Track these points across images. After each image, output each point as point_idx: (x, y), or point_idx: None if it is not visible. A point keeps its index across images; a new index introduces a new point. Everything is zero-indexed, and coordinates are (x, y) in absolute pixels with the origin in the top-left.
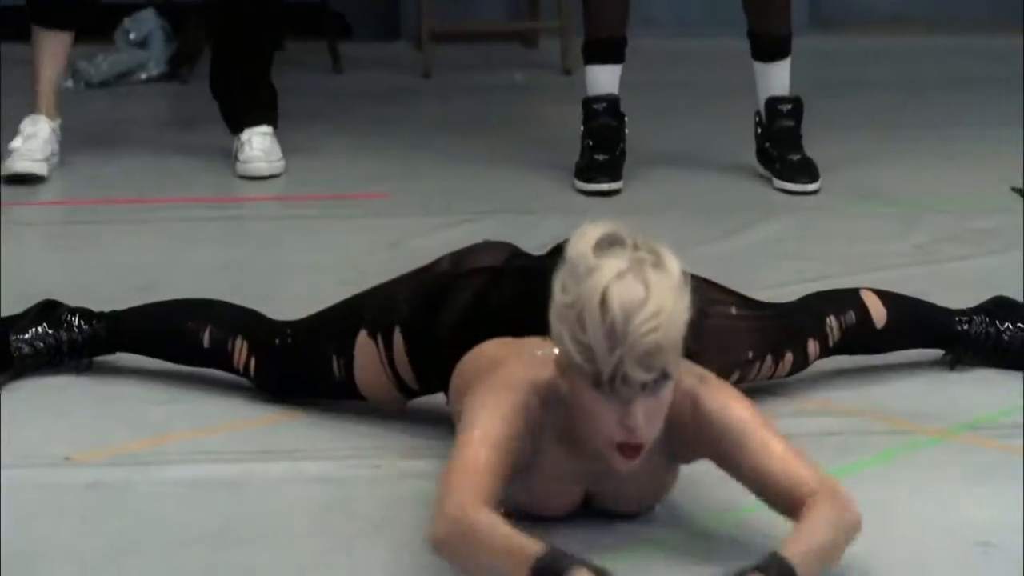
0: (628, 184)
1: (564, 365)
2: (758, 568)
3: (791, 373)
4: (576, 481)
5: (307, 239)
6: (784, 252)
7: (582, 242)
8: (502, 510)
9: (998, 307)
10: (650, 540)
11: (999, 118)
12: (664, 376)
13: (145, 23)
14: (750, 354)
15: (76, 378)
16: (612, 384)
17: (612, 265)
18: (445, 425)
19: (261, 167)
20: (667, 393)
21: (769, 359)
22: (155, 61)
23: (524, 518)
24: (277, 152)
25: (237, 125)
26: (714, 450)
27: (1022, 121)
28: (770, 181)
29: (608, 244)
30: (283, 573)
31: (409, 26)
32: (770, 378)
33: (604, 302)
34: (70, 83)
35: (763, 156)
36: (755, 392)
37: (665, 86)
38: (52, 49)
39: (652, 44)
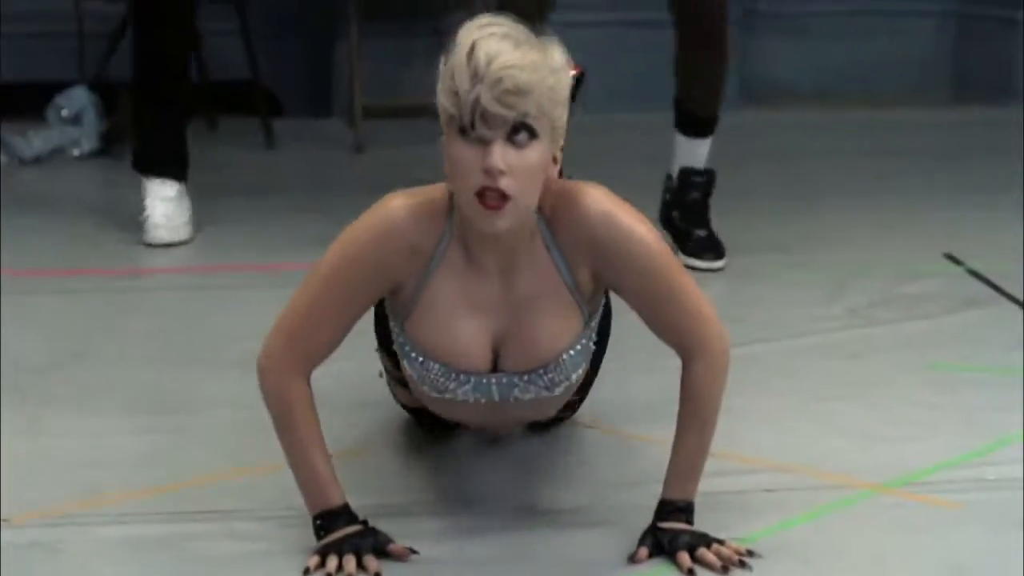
0: None
1: (443, 119)
2: (657, 528)
3: None
4: (480, 318)
5: (237, 307)
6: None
7: (476, 21)
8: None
9: None
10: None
11: (928, 186)
12: (526, 128)
13: (77, 100)
14: None
15: (10, 438)
16: (473, 124)
17: (489, 29)
18: (399, 481)
19: (162, 234)
20: (533, 153)
21: None
22: (87, 137)
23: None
24: (182, 215)
25: (145, 166)
26: (612, 281)
27: (951, 189)
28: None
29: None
30: None
31: (341, 102)
32: None
33: (472, 51)
34: (3, 159)
35: (667, 223)
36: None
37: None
38: None
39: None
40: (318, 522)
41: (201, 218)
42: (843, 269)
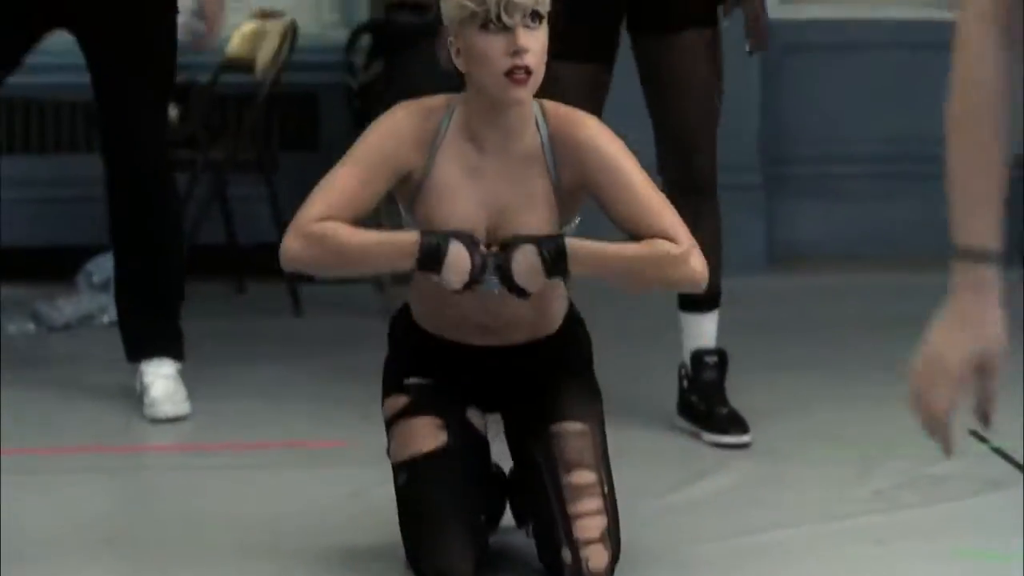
0: None
1: (456, 29)
2: (534, 240)
3: None
4: (476, 199)
5: (264, 489)
6: (739, 501)
7: None
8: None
9: None
10: None
11: None
12: (538, 13)
13: (107, 267)
14: None
15: None
16: (499, 18)
17: None
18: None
19: (166, 409)
20: (543, 34)
21: None
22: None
23: None
24: (181, 393)
25: (136, 353)
26: (593, 180)
27: None
28: (696, 436)
29: None
30: None
31: None
32: None
33: None
34: (31, 327)
35: (688, 410)
36: None
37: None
38: None
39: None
40: (424, 254)
41: (221, 390)
42: (869, 446)
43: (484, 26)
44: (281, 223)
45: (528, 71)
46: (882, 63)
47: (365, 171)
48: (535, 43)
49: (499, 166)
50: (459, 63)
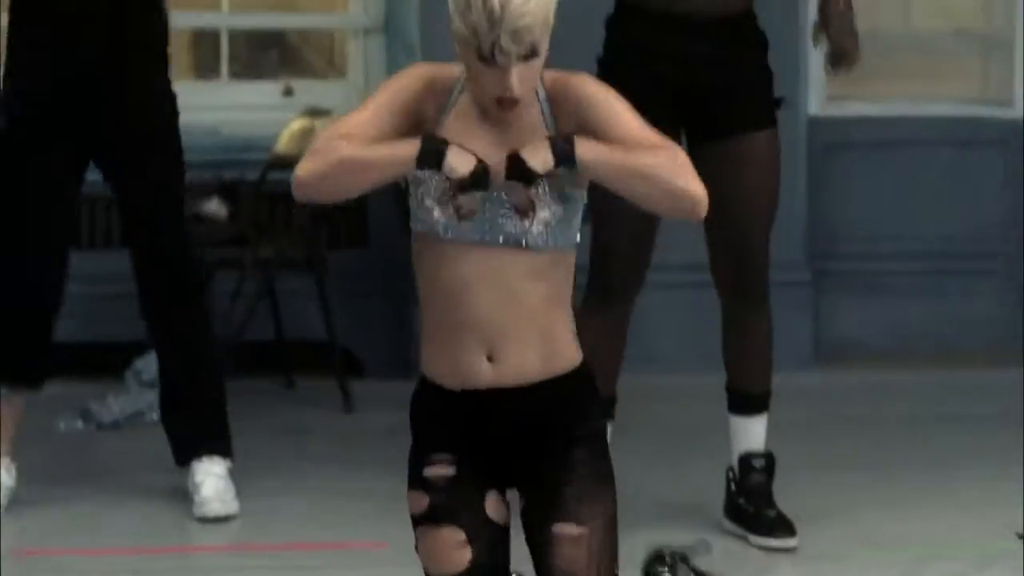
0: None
1: (459, 40)
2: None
3: None
4: (480, 147)
5: None
6: None
7: None
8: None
9: None
10: None
11: (999, 457)
12: (533, 52)
13: (154, 364)
14: None
15: None
16: (492, 56)
17: None
18: None
19: (215, 508)
20: (537, 64)
21: None
22: None
23: None
24: (231, 491)
25: (184, 456)
26: (589, 120)
27: (1022, 460)
28: (743, 538)
29: None
30: None
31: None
32: None
33: None
34: (80, 424)
35: (735, 512)
36: None
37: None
38: (8, 414)
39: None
40: (425, 152)
41: (270, 487)
42: (917, 548)
43: (480, 56)
44: (330, 320)
45: (515, 102)
46: (927, 160)
47: (385, 102)
48: (528, 73)
49: (501, 130)
50: (457, 58)
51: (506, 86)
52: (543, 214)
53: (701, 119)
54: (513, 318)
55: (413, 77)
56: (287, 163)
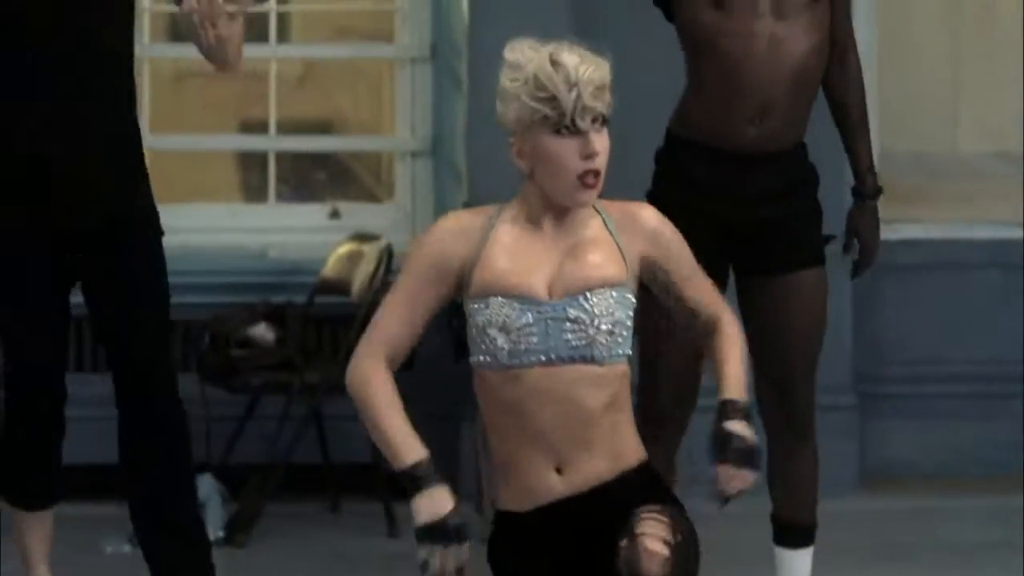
0: None
1: (523, 135)
2: (725, 418)
3: None
4: (534, 257)
5: None
6: None
7: (517, 45)
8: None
9: None
10: None
11: None
12: (605, 118)
13: (203, 487)
14: None
15: None
16: (573, 122)
17: (548, 47)
18: None
19: None
20: (607, 136)
21: None
22: (212, 526)
23: None
24: None
25: None
26: (660, 255)
27: None
28: None
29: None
30: None
31: (468, 486)
32: None
33: (555, 61)
34: (127, 548)
35: None
36: None
37: None
38: (37, 527)
39: None
40: (405, 478)
41: None
42: None
43: (556, 130)
44: (375, 445)
45: (598, 174)
46: (975, 282)
47: (412, 284)
48: (603, 145)
49: (556, 237)
50: (520, 164)
51: (591, 151)
52: (605, 325)
53: (752, 254)
54: (578, 427)
55: (436, 235)
56: (334, 287)
